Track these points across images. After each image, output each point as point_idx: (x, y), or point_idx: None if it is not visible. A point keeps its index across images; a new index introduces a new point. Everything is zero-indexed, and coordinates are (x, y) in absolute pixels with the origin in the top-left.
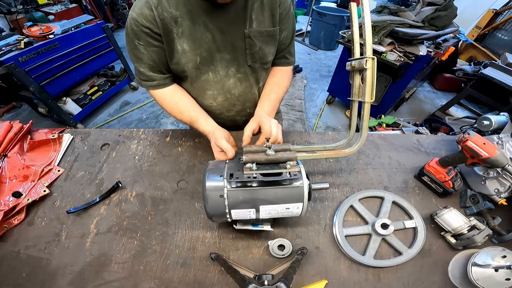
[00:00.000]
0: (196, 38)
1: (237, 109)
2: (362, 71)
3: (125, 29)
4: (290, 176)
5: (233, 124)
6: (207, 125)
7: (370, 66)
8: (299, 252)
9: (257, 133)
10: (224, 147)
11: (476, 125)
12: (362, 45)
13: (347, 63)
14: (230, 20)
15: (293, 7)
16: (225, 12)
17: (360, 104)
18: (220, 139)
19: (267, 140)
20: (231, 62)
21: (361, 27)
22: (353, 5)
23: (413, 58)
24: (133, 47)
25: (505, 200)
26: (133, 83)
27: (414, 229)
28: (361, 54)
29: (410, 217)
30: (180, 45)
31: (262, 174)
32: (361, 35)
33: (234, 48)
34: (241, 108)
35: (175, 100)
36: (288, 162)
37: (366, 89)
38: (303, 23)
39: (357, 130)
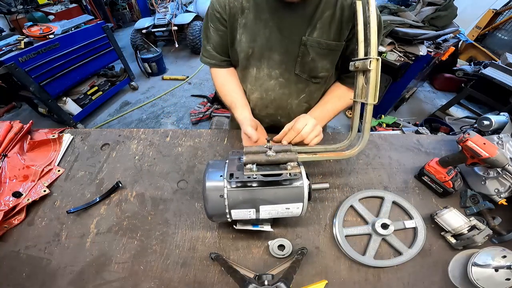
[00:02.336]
0: (254, 31)
1: (269, 112)
2: (365, 72)
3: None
4: (290, 176)
5: (262, 123)
6: (241, 113)
7: (374, 67)
8: (299, 252)
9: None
10: (248, 132)
11: (476, 125)
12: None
13: (350, 63)
14: (293, 22)
15: (381, 23)
16: (290, 13)
17: (363, 105)
18: (246, 126)
19: (268, 141)
20: (278, 64)
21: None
22: (358, 4)
23: (413, 58)
24: (206, 27)
25: (505, 200)
26: (133, 83)
27: (414, 229)
28: (365, 54)
29: (410, 217)
30: (239, 35)
31: (263, 175)
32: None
33: (287, 51)
34: (272, 113)
35: (224, 81)
36: (289, 163)
37: (370, 90)
38: None
39: (359, 131)
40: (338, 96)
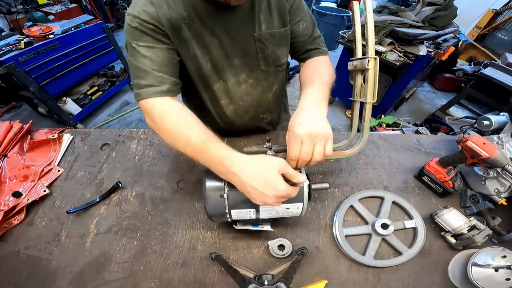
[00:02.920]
0: (205, 43)
1: (250, 115)
2: (364, 71)
3: (124, 36)
4: None
5: (245, 128)
6: (229, 149)
7: (372, 66)
8: (299, 252)
9: None
10: (294, 175)
11: (476, 125)
12: (364, 45)
13: (349, 63)
14: (238, 23)
15: None
16: (231, 15)
17: (362, 105)
18: (287, 166)
19: (268, 141)
20: (242, 68)
21: (363, 26)
22: (355, 4)
23: (413, 58)
24: (133, 53)
25: (505, 200)
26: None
27: (414, 229)
28: (363, 54)
29: (410, 217)
30: (191, 49)
31: None
32: (363, 35)
33: (245, 53)
34: (254, 114)
35: (184, 114)
36: None
37: (368, 89)
38: None
39: (358, 130)
40: (318, 71)
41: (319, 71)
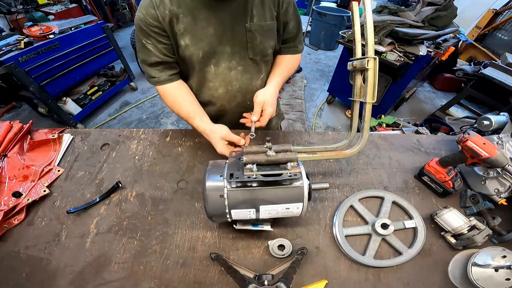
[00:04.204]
0: (197, 33)
1: (238, 100)
2: (363, 71)
3: (134, 29)
4: (290, 176)
5: (233, 116)
6: (203, 122)
7: (372, 66)
8: (299, 252)
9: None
10: (235, 139)
11: (476, 125)
12: (363, 45)
13: (348, 63)
14: (232, 14)
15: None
16: (227, 6)
17: (362, 105)
18: (229, 132)
19: (268, 141)
20: (233, 55)
21: (362, 26)
22: (354, 4)
23: (413, 58)
24: (142, 46)
25: (505, 200)
26: (132, 83)
27: (414, 229)
28: (363, 54)
29: (410, 217)
30: (183, 41)
31: (263, 175)
32: (362, 35)
33: (236, 41)
34: (242, 100)
35: (175, 94)
36: (289, 163)
37: (368, 89)
38: (303, 23)
39: (358, 130)
40: (285, 65)
41: (287, 69)
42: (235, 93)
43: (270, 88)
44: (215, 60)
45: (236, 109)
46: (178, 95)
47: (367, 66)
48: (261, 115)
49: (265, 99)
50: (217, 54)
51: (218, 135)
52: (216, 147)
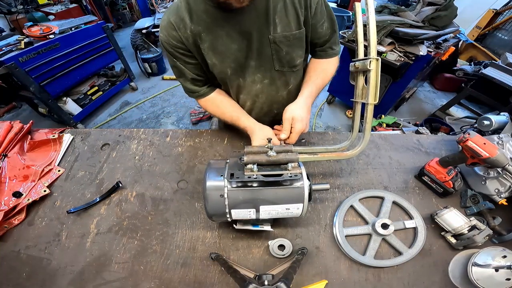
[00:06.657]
0: (222, 51)
1: (264, 111)
2: (365, 72)
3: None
4: (291, 176)
5: (264, 121)
6: (248, 121)
7: (374, 67)
8: (299, 252)
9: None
10: (277, 143)
11: (476, 125)
12: (366, 46)
13: (350, 64)
14: (253, 25)
15: None
16: (246, 17)
17: (363, 106)
18: (273, 135)
19: (269, 141)
20: (257, 69)
21: (365, 27)
22: (357, 5)
23: (413, 58)
24: (174, 64)
25: (505, 200)
26: (132, 83)
27: (414, 229)
28: (365, 54)
29: (410, 217)
30: (209, 59)
31: (263, 175)
32: (365, 35)
33: (260, 54)
34: (268, 110)
35: (216, 103)
36: (290, 164)
37: (370, 90)
38: None
39: (359, 131)
40: (320, 72)
41: (321, 76)
42: (262, 105)
43: (301, 101)
44: (242, 74)
45: (265, 119)
46: (218, 103)
47: (370, 67)
48: (290, 132)
49: (294, 116)
50: (242, 68)
51: (263, 134)
52: (253, 143)
